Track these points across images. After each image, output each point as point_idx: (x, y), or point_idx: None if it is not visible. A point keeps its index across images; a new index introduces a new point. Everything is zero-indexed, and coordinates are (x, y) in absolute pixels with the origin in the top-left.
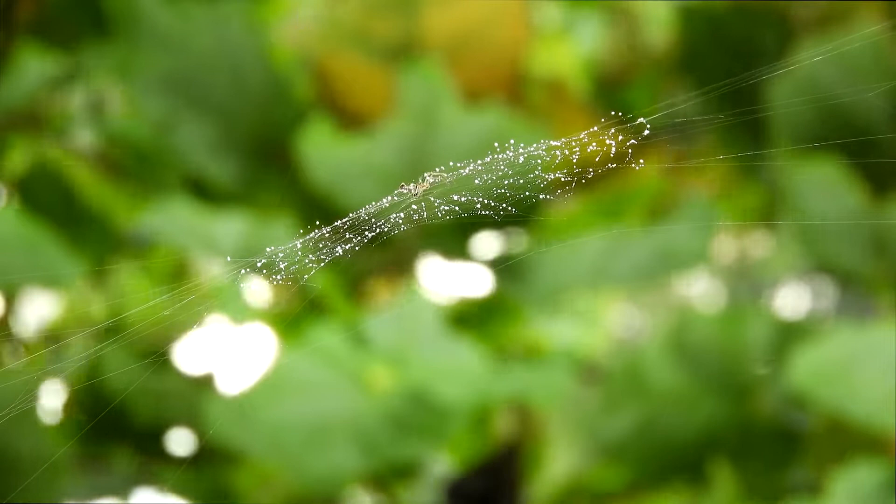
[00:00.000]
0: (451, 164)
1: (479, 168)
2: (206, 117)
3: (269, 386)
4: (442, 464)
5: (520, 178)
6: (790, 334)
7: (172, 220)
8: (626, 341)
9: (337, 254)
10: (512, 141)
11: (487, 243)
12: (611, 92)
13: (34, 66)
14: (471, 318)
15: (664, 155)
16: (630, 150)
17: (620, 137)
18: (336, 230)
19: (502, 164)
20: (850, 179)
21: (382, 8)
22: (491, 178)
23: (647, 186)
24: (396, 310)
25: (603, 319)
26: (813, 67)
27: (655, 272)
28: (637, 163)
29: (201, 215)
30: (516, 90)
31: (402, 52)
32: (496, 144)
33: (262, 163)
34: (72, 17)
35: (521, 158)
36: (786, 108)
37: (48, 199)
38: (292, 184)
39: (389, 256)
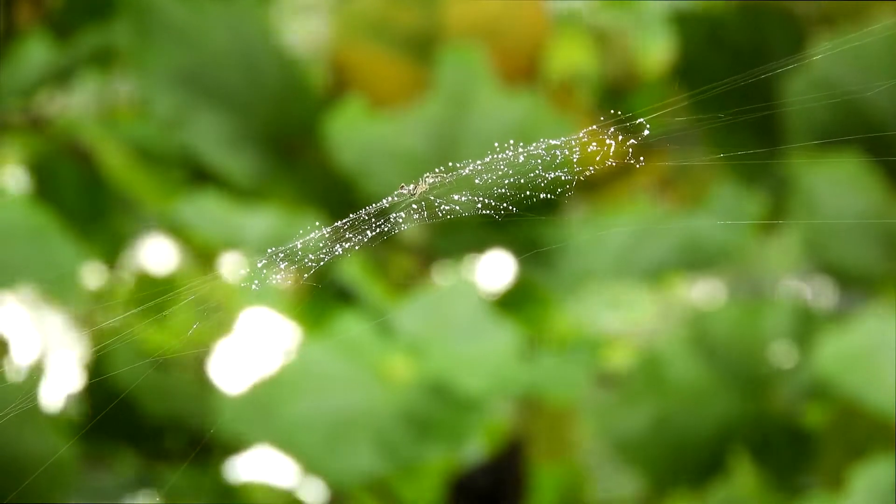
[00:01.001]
0: (451, 164)
1: (479, 168)
2: (221, 112)
3: (287, 381)
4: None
5: (520, 178)
6: (811, 325)
7: (203, 211)
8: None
9: (337, 253)
10: (511, 141)
11: (511, 236)
12: (610, 101)
13: (37, 57)
14: (500, 307)
15: (666, 155)
16: (630, 149)
17: (620, 137)
18: (336, 230)
19: (502, 164)
20: (866, 176)
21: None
22: (491, 178)
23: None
24: (431, 297)
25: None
26: (826, 65)
27: (682, 265)
28: (637, 161)
29: (230, 209)
30: (535, 83)
31: (423, 44)
32: (496, 144)
33: (280, 156)
34: (75, 10)
35: (521, 158)
36: (799, 106)
37: (68, 186)
38: (316, 174)
39: (409, 253)
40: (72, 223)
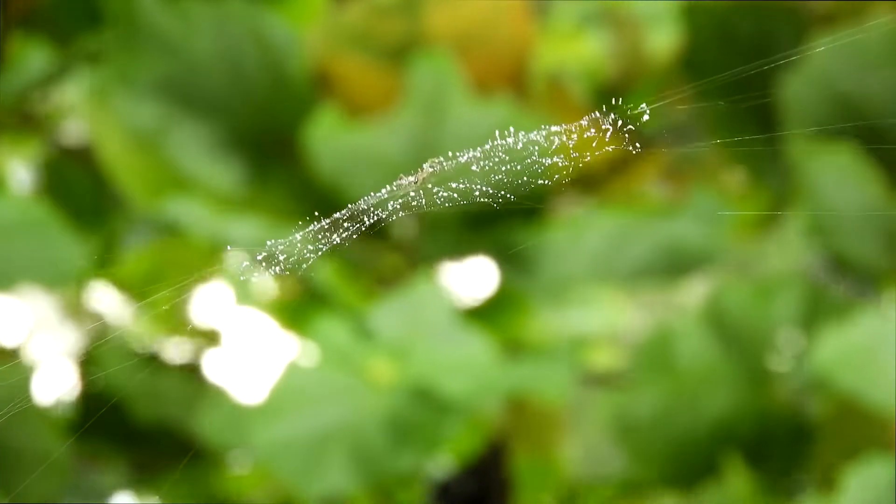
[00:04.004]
0: (450, 153)
1: (478, 156)
2: (206, 120)
3: (270, 400)
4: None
5: (517, 164)
6: (821, 310)
7: (191, 212)
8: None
9: (335, 242)
10: (512, 129)
11: (496, 240)
12: (610, 97)
13: (30, 62)
14: (479, 311)
15: (665, 145)
16: (628, 137)
17: (619, 123)
18: (335, 222)
19: (500, 151)
20: (865, 168)
21: (386, 9)
22: (488, 165)
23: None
24: (404, 299)
25: (615, 313)
26: (825, 60)
27: (663, 270)
28: (635, 149)
29: (218, 211)
30: (521, 88)
31: (407, 53)
32: (497, 132)
33: (267, 162)
34: (67, 12)
35: (520, 145)
36: (798, 101)
37: (69, 183)
38: (302, 180)
39: (394, 255)
40: (73, 221)
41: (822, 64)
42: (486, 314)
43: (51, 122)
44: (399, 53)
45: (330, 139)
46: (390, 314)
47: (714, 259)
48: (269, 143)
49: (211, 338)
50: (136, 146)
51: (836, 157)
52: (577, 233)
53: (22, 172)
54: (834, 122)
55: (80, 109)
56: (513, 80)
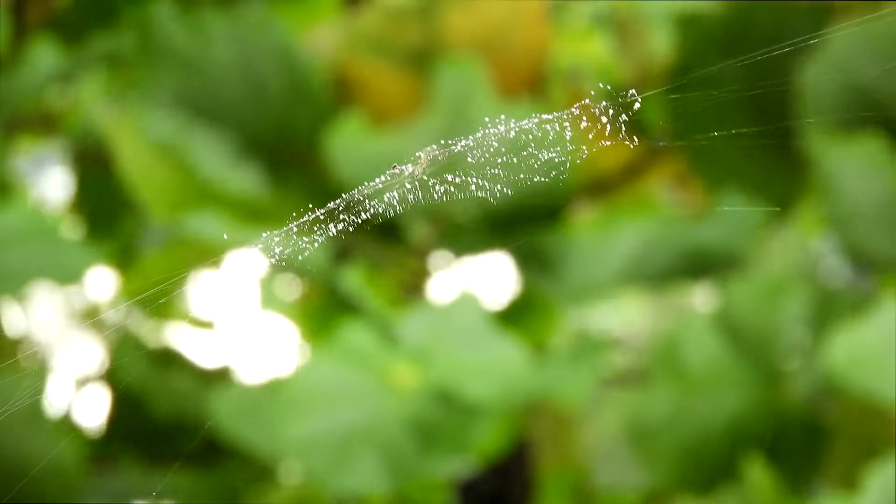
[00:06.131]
0: (442, 141)
1: (471, 144)
2: (225, 130)
3: (292, 398)
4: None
5: (513, 156)
6: (833, 307)
7: (210, 223)
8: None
9: (331, 234)
10: (503, 116)
11: (512, 239)
12: (623, 98)
13: (45, 63)
14: (504, 315)
15: (671, 142)
16: (623, 127)
17: (612, 112)
18: (330, 212)
19: (493, 140)
20: (887, 159)
21: (402, 14)
22: (483, 156)
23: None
24: (435, 305)
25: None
26: (840, 49)
27: (688, 274)
28: (631, 141)
29: (237, 222)
30: (538, 91)
31: (424, 58)
32: (486, 119)
33: (286, 172)
34: (83, 11)
35: (513, 133)
36: (815, 91)
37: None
38: (321, 186)
39: (411, 258)
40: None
41: (838, 53)
42: (512, 318)
43: (67, 122)
44: (416, 58)
45: (351, 145)
46: (417, 318)
47: (740, 263)
48: (288, 152)
49: (226, 334)
50: (156, 158)
51: (857, 147)
52: (603, 237)
53: (33, 173)
54: (851, 111)
55: (95, 111)
56: (530, 83)
